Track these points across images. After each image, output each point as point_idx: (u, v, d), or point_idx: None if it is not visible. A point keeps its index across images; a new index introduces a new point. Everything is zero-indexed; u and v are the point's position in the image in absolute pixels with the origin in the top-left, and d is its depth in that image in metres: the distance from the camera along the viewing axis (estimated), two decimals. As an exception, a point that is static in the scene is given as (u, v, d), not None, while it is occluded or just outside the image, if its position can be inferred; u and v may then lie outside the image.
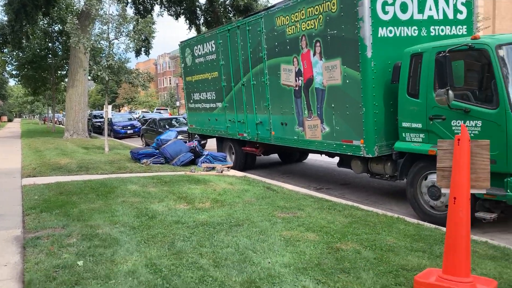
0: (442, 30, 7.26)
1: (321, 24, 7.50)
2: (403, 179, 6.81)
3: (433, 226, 5.56)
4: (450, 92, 5.40)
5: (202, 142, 13.82)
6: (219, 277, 3.78)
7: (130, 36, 13.24)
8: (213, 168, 10.22)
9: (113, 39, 13.44)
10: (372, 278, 3.73)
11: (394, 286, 3.56)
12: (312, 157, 12.26)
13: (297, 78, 8.27)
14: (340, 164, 8.62)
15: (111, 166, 10.71)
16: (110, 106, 15.65)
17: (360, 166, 7.65)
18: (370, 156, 6.97)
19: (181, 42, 13.02)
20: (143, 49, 23.29)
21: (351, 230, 5.13)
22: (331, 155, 8.81)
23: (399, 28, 6.83)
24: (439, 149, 3.64)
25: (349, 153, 7.43)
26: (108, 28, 13.33)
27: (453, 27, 7.40)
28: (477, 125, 5.57)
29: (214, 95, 11.46)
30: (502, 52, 5.50)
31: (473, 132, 5.57)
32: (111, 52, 13.41)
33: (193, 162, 11.12)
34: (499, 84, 5.37)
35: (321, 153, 9.07)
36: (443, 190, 3.64)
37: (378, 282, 3.65)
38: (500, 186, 5.42)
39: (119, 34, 13.32)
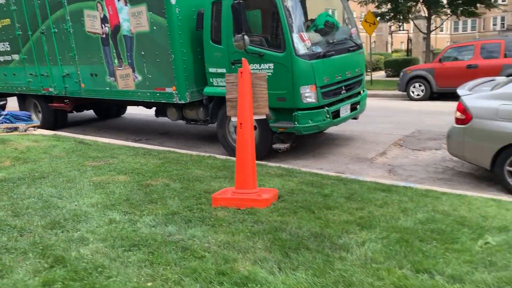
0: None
1: (123, -33, 7.22)
2: (214, 122, 7.33)
3: (238, 158, 6.22)
4: (245, 37, 5.94)
5: (1, 102, 12.08)
6: (19, 224, 3.61)
7: None
8: (16, 129, 9.14)
9: None
10: (177, 203, 4.07)
11: (196, 206, 3.99)
12: (132, 112, 12.04)
13: (103, 25, 7.87)
14: (157, 113, 8.71)
15: None
16: None
17: (176, 113, 7.89)
18: (183, 102, 7.24)
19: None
20: None
21: (163, 169, 5.39)
22: (148, 106, 8.83)
23: (200, -25, 7.07)
24: (227, 82, 4.08)
25: (163, 101, 7.56)
26: None
27: None
28: (270, 67, 6.32)
29: (8, 46, 10.01)
30: (287, 2, 6.25)
31: (267, 74, 6.28)
32: None
33: (-11, 124, 9.70)
34: (285, 30, 6.12)
35: (137, 104, 8.97)
36: (233, 119, 4.13)
37: (182, 204, 4.02)
38: (290, 120, 6.34)
39: None
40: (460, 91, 5.55)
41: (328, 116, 6.46)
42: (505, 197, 4.38)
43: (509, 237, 3.15)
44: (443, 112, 9.82)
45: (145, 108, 9.27)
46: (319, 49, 6.46)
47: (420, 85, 12.79)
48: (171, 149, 6.97)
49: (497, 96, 5.00)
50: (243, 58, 4.17)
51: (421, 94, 12.76)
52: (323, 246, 3.12)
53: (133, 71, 7.72)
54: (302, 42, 6.26)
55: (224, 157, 6.41)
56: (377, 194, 4.28)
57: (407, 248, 3.01)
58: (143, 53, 7.44)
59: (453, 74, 11.87)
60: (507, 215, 3.61)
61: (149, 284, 2.66)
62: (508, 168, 4.84)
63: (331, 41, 6.80)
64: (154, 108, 8.69)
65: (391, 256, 2.92)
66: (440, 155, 6.50)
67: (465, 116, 5.18)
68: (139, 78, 7.68)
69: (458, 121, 5.31)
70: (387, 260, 2.87)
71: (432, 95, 12.63)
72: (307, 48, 6.28)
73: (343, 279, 2.65)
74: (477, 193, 4.54)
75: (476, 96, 5.27)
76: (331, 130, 8.16)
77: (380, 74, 20.81)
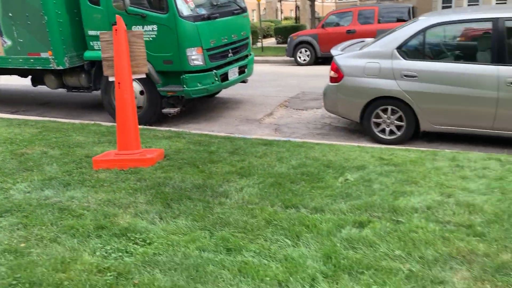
0: None
1: None
2: (98, 88, 6.99)
3: (124, 123, 6.06)
4: (125, -3, 5.70)
5: None
6: None
7: None
8: None
9: None
10: (55, 168, 3.91)
11: (76, 170, 3.87)
12: (6, 82, 10.86)
13: (-42, -18, 6.90)
14: (34, 82, 8.03)
15: None
16: None
17: (55, 81, 7.34)
18: (62, 68, 6.77)
19: None
20: None
21: (40, 137, 5.07)
22: (23, 74, 8.07)
23: None
24: (101, 40, 3.93)
25: (38, 67, 6.99)
26: None
27: None
28: (154, 29, 6.17)
29: None
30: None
31: (151, 36, 6.15)
32: None
33: None
34: (167, -10, 5.99)
35: (10, 72, 8.15)
36: (110, 79, 4.02)
37: (61, 170, 3.87)
38: (178, 83, 6.32)
39: None
40: (333, 51, 6.03)
41: (216, 79, 6.56)
42: (369, 144, 4.97)
43: (364, 173, 3.64)
44: (326, 75, 10.46)
45: (21, 78, 8.45)
46: (203, 11, 6.46)
47: (306, 51, 13.49)
48: (51, 119, 6.52)
49: (364, 55, 5.54)
50: (117, 15, 4.03)
51: (307, 59, 13.49)
52: (204, 195, 3.29)
53: (1, 35, 6.97)
54: (185, 4, 6.21)
55: (110, 124, 6.20)
56: (258, 147, 4.56)
57: (279, 190, 3.32)
58: (10, 14, 6.74)
59: (334, 39, 12.59)
60: (366, 156, 4.14)
61: (23, 245, 2.57)
62: (374, 120, 5.45)
63: (215, 3, 6.84)
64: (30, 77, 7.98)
65: (265, 197, 3.20)
66: (320, 113, 7.05)
67: (337, 75, 5.68)
68: (9, 42, 6.97)
69: (332, 79, 5.80)
70: (261, 201, 3.14)
71: (317, 60, 13.43)
72: (191, 10, 6.25)
73: (221, 220, 2.85)
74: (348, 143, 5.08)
75: (347, 55, 5.78)
76: (222, 94, 8.32)
77: (271, 41, 21.40)
